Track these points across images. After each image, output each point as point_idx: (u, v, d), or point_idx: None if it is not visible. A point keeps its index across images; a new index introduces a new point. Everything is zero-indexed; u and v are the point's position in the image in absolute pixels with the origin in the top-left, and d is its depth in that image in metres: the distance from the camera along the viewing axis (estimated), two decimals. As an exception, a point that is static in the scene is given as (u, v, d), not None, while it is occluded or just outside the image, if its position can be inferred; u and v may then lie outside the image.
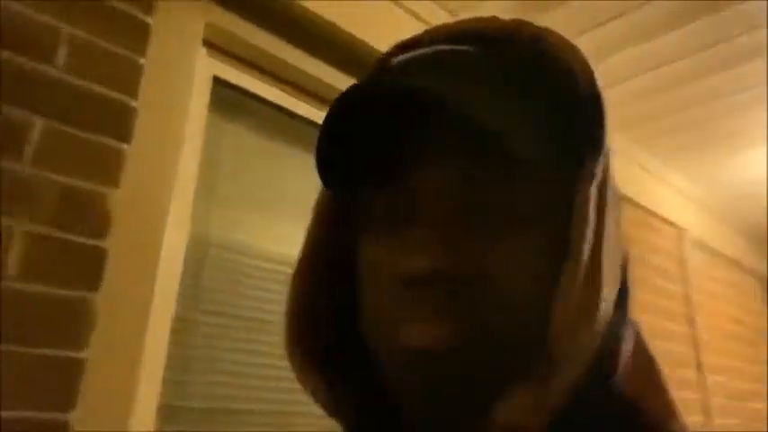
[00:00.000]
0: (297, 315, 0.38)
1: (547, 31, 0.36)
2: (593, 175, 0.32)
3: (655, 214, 2.48)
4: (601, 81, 0.33)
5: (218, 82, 1.33)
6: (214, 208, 1.32)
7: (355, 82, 0.32)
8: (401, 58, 0.37)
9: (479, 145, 0.31)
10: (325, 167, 0.35)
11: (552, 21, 1.66)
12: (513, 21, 0.37)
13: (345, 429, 0.37)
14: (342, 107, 0.32)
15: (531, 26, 0.36)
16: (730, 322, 2.86)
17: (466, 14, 1.62)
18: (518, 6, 1.59)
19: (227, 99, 1.37)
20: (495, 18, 0.38)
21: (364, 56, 1.46)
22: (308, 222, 0.40)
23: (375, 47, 1.44)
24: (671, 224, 2.59)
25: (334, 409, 0.36)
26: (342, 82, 1.45)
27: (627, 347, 0.34)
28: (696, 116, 2.16)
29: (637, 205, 2.36)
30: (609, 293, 0.32)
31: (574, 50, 0.35)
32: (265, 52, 1.34)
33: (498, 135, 0.29)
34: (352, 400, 0.36)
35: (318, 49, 1.42)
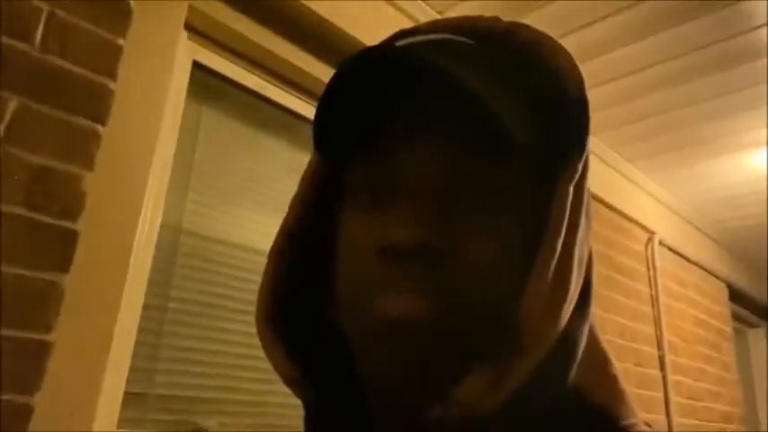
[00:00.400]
0: (272, 291, 0.38)
1: (544, 35, 0.38)
2: (575, 173, 0.34)
3: (626, 216, 2.53)
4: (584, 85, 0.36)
5: (198, 66, 1.32)
6: (188, 194, 1.30)
7: (364, 48, 0.33)
8: (406, 40, 0.39)
9: (468, 125, 0.32)
10: (320, 134, 0.35)
11: (536, 20, 1.68)
12: (513, 22, 0.39)
13: (303, 403, 0.38)
14: (346, 72, 0.32)
15: (530, 29, 0.38)
16: (695, 324, 2.94)
17: (452, 13, 1.63)
18: (503, 6, 1.60)
19: (206, 84, 1.36)
20: (496, 18, 0.39)
21: (347, 47, 1.45)
22: (294, 193, 0.41)
23: (359, 39, 1.44)
24: (641, 226, 2.65)
25: (295, 381, 0.36)
26: (323, 73, 1.45)
27: (583, 340, 0.35)
28: (670, 121, 2.21)
29: (609, 206, 2.40)
30: (575, 286, 0.33)
31: (567, 56, 0.36)
32: (247, 39, 1.33)
33: (489, 115, 0.30)
34: (314, 376, 0.37)
35: (301, 38, 1.41)
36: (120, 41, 1.04)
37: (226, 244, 1.35)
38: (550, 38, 0.38)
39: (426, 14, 1.64)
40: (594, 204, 2.19)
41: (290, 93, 1.48)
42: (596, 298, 0.38)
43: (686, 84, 1.97)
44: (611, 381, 0.36)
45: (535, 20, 1.66)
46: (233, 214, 1.39)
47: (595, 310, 0.37)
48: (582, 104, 0.35)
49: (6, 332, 0.81)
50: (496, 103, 0.31)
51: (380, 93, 0.34)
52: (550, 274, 0.32)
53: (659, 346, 2.54)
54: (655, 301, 2.60)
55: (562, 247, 0.32)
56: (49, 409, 0.85)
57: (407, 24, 1.55)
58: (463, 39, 0.37)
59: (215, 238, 1.34)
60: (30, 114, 0.90)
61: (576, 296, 0.34)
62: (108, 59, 1.02)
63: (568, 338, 0.34)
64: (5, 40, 0.90)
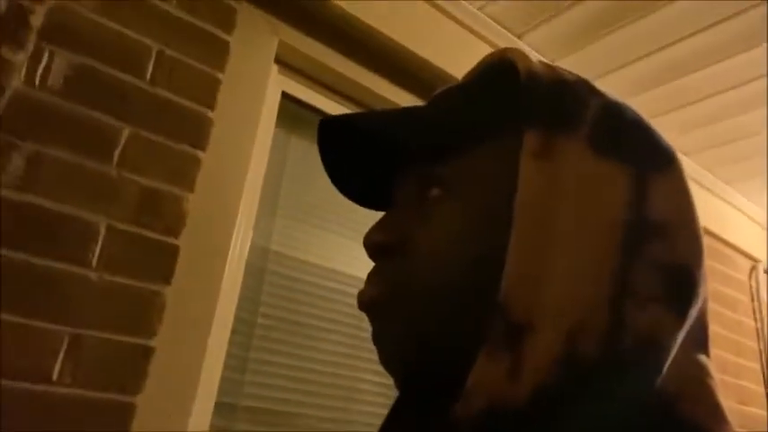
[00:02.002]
0: None
1: (509, 49, 0.42)
2: (533, 148, 0.34)
3: (727, 243, 2.37)
4: (543, 70, 0.38)
5: (287, 97, 1.41)
6: (276, 219, 1.38)
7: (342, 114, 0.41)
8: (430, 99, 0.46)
9: (426, 152, 0.39)
10: (335, 181, 0.45)
11: (628, 37, 1.65)
12: (498, 50, 0.44)
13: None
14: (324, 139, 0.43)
15: (504, 49, 0.43)
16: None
17: (525, 45, 1.62)
18: (559, 38, 1.60)
19: (294, 113, 1.45)
20: (492, 53, 0.44)
21: (428, 75, 1.50)
22: None
23: (439, 66, 1.48)
24: (744, 254, 2.47)
25: None
26: (403, 99, 1.50)
27: (672, 344, 0.33)
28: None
29: (707, 232, 2.27)
30: (571, 263, 0.32)
31: (521, 54, 0.40)
32: (331, 69, 1.41)
33: (442, 144, 0.38)
34: None
35: (383, 67, 1.47)
36: (219, 75, 1.14)
37: (311, 265, 1.41)
38: (514, 50, 0.42)
39: (504, 39, 1.66)
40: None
41: (373, 119, 1.54)
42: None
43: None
44: (706, 393, 0.33)
45: (627, 36, 1.64)
46: (318, 237, 1.45)
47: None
48: (529, 84, 0.37)
49: (115, 336, 0.90)
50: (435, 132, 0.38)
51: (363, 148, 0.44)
52: (530, 250, 0.32)
53: (765, 383, 2.34)
54: (760, 335, 2.40)
55: (542, 221, 0.32)
56: (150, 409, 0.93)
57: (485, 51, 1.57)
58: (448, 87, 0.45)
59: (301, 258, 1.40)
60: (140, 141, 1.01)
61: (584, 273, 0.32)
62: (208, 91, 1.11)
63: (643, 338, 0.31)
64: (120, 75, 1.01)
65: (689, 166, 2.22)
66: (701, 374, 0.34)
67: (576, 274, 0.31)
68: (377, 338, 0.38)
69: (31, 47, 0.92)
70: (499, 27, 1.66)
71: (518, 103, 0.37)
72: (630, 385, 0.31)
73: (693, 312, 0.34)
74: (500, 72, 0.41)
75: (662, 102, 1.91)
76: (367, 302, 0.38)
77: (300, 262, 1.39)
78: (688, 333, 0.34)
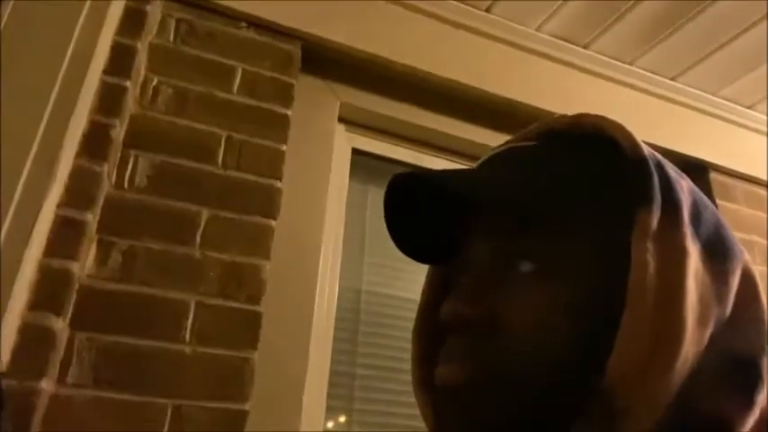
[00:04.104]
0: (414, 366, 0.46)
1: (601, 117, 0.41)
2: (646, 229, 0.34)
3: None
4: (646, 149, 0.38)
5: (357, 152, 1.47)
6: (363, 267, 1.43)
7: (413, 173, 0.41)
8: (487, 154, 0.46)
9: (511, 221, 0.38)
10: (402, 245, 0.44)
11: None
12: (577, 114, 0.43)
13: None
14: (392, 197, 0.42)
15: (590, 116, 0.42)
16: None
17: (596, 53, 1.56)
18: (627, 41, 1.51)
19: (367, 165, 1.50)
20: (564, 115, 0.44)
21: (490, 107, 1.49)
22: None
23: (505, 96, 1.48)
24: None
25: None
26: (471, 133, 1.50)
27: (742, 427, 0.33)
28: None
29: None
30: (689, 349, 0.32)
31: (620, 127, 0.39)
32: (394, 118, 1.45)
33: (529, 213, 0.37)
34: None
35: (444, 107, 1.49)
36: (283, 147, 1.23)
37: (404, 300, 1.43)
38: (605, 118, 0.41)
39: (572, 53, 1.61)
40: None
41: (444, 158, 1.55)
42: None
43: None
44: None
45: (702, 25, 1.52)
46: (409, 272, 1.46)
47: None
48: (639, 162, 0.36)
49: (211, 404, 0.98)
50: (536, 201, 0.37)
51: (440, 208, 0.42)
52: (643, 335, 0.31)
53: None
54: None
55: (655, 306, 0.32)
56: (251, 471, 0.99)
57: (554, 69, 1.53)
58: (526, 143, 0.43)
59: (394, 295, 1.43)
60: (218, 221, 1.11)
61: (692, 362, 0.33)
62: (274, 164, 1.20)
63: (713, 420, 0.32)
64: (195, 164, 1.13)
65: None
66: None
67: (674, 366, 0.32)
68: (462, 424, 0.36)
69: (117, 155, 1.06)
70: (564, 43, 1.61)
71: (620, 179, 0.37)
72: None
73: (763, 398, 0.34)
74: (593, 142, 0.40)
75: (751, 89, 1.73)
76: (453, 384, 0.36)
77: (393, 298, 1.42)
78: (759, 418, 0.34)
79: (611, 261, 0.35)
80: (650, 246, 0.33)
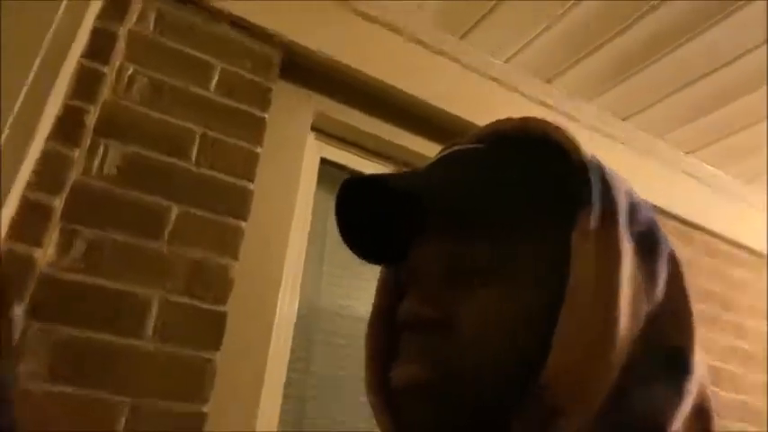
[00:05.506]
0: (368, 367, 0.45)
1: (545, 121, 0.42)
2: (586, 228, 0.36)
3: (733, 242, 2.15)
4: (588, 153, 0.39)
5: (325, 162, 1.48)
6: (322, 276, 1.43)
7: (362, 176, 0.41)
8: (435, 156, 0.46)
9: (457, 223, 0.39)
10: (354, 247, 0.44)
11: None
12: (522, 117, 0.44)
13: None
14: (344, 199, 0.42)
15: (535, 120, 0.43)
16: None
17: (559, 88, 1.65)
18: (590, 79, 1.61)
19: (333, 176, 1.51)
20: (509, 118, 0.45)
21: (455, 128, 1.54)
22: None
23: (470, 120, 1.53)
24: (754, 253, 2.22)
25: None
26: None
27: (671, 422, 0.34)
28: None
29: (710, 233, 2.08)
30: (624, 347, 0.34)
31: (564, 132, 0.40)
32: (365, 132, 1.47)
33: (477, 216, 0.38)
34: None
35: (416, 126, 1.53)
36: (258, 149, 1.22)
37: (357, 318, 1.44)
38: (549, 123, 0.42)
39: (534, 86, 1.69)
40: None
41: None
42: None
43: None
44: None
45: (659, 70, 1.63)
46: (364, 289, 1.48)
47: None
48: (581, 165, 0.38)
49: (170, 403, 0.95)
50: (482, 204, 0.38)
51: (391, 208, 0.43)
52: (578, 334, 0.33)
53: None
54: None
55: (593, 307, 0.33)
56: (206, 474, 0.96)
57: (517, 100, 1.60)
58: (478, 145, 0.44)
59: (349, 313, 1.43)
60: (188, 218, 1.09)
61: (633, 358, 0.34)
62: (247, 165, 1.19)
63: (644, 415, 0.33)
64: (167, 158, 1.10)
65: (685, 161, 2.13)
66: None
67: (608, 363, 0.33)
68: (426, 424, 0.36)
69: (87, 142, 1.03)
70: (530, 76, 1.69)
71: (563, 181, 0.38)
72: None
73: (692, 388, 0.36)
74: (538, 145, 0.41)
75: (702, 133, 1.87)
76: (412, 383, 0.36)
77: (348, 317, 1.43)
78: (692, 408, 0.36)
79: (553, 262, 0.36)
80: (589, 246, 0.35)
